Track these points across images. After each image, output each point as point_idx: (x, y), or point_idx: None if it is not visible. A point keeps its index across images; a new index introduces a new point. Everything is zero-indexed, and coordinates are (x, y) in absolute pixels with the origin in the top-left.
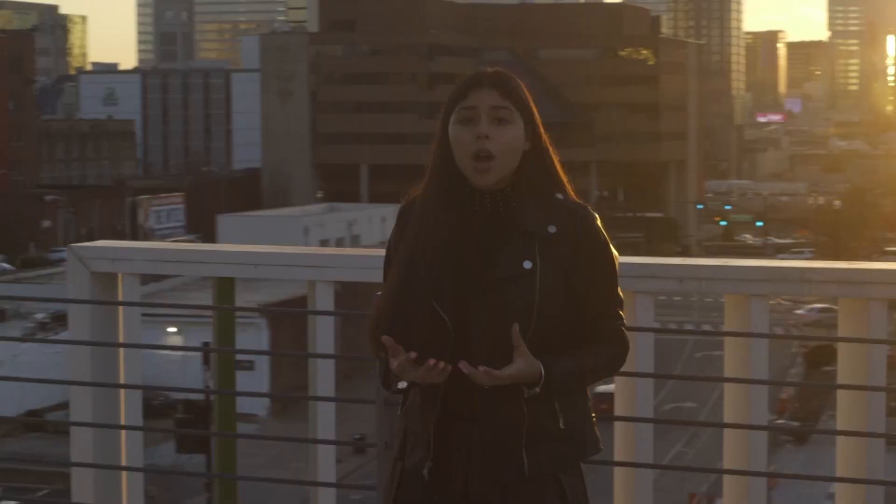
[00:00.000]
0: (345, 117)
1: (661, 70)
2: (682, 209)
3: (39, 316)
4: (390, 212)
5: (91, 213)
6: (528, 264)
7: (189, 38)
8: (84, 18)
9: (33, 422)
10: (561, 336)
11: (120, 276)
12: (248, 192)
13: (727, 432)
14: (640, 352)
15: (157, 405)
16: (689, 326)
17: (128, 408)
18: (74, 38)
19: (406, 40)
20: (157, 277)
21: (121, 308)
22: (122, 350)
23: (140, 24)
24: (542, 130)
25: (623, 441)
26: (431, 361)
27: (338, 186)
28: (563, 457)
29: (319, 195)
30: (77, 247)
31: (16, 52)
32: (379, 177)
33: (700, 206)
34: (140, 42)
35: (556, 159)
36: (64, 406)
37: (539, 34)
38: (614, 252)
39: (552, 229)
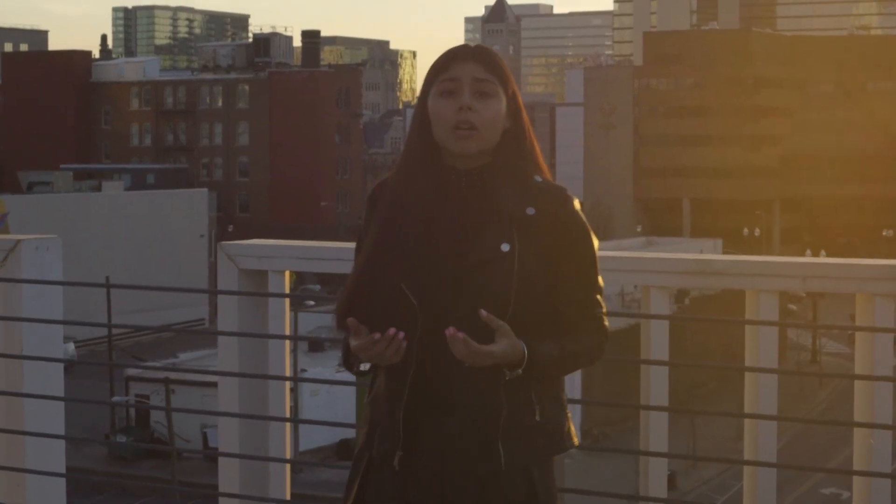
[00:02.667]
0: (667, 151)
1: None
2: None
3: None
4: (710, 246)
5: None
6: (505, 246)
7: (515, 73)
8: (413, 54)
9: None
10: (538, 322)
11: (268, 273)
12: None
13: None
14: (764, 348)
15: None
16: None
17: (272, 401)
18: (404, 73)
19: (731, 73)
20: None
21: (269, 302)
22: (269, 344)
23: None
24: (523, 110)
25: None
26: (392, 331)
27: (659, 220)
28: (539, 449)
29: (639, 229)
30: (226, 244)
31: (344, 87)
32: (701, 211)
33: None
34: None
35: (535, 141)
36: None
37: (867, 66)
38: (594, 238)
39: (531, 211)
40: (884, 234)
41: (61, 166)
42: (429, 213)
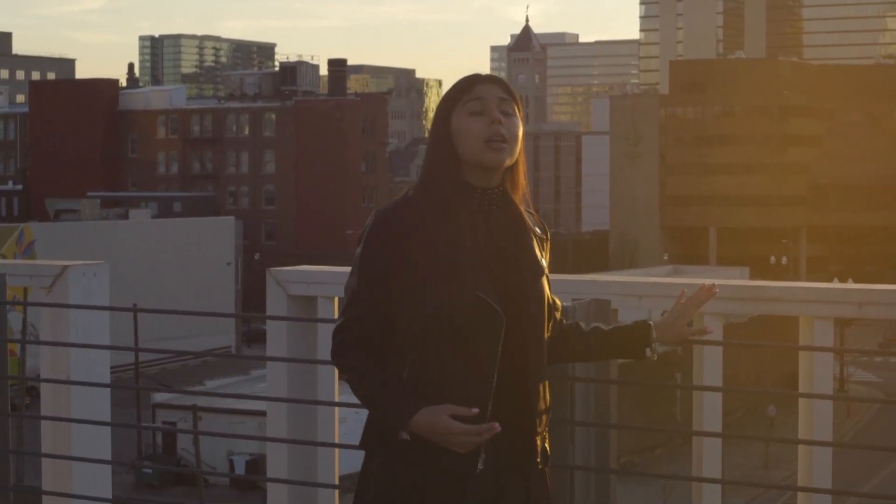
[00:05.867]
0: (694, 179)
1: None
2: None
3: None
4: (736, 274)
5: None
6: (543, 262)
7: (541, 101)
8: (439, 82)
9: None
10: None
11: (317, 299)
12: (595, 254)
13: None
14: (818, 373)
15: None
16: None
17: (321, 426)
18: (430, 102)
19: (757, 102)
20: None
21: (318, 329)
22: (318, 370)
23: None
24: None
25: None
26: (495, 425)
27: (686, 249)
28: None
29: (665, 258)
30: (275, 270)
31: (370, 115)
32: (728, 240)
33: None
34: None
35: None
36: None
37: (894, 95)
38: None
39: (538, 230)
40: None
41: (88, 194)
42: (473, 233)
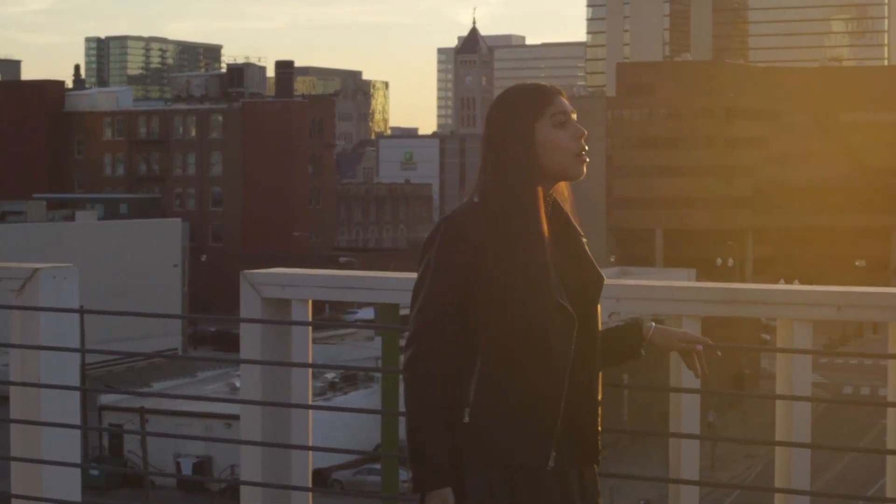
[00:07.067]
0: (640, 181)
1: None
2: None
3: (330, 376)
4: (683, 275)
5: None
6: (600, 269)
7: (488, 103)
8: (386, 84)
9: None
10: None
11: (291, 301)
12: None
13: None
14: (797, 376)
15: None
16: None
17: (295, 429)
18: (376, 104)
19: (703, 104)
20: None
21: (292, 331)
22: (292, 372)
23: (440, 89)
24: None
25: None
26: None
27: (632, 251)
28: None
29: (612, 259)
30: (249, 273)
31: (317, 117)
32: (674, 242)
33: None
34: (439, 107)
35: None
36: (352, 465)
37: (840, 97)
38: None
39: (582, 234)
40: (857, 263)
41: (34, 196)
42: (551, 239)
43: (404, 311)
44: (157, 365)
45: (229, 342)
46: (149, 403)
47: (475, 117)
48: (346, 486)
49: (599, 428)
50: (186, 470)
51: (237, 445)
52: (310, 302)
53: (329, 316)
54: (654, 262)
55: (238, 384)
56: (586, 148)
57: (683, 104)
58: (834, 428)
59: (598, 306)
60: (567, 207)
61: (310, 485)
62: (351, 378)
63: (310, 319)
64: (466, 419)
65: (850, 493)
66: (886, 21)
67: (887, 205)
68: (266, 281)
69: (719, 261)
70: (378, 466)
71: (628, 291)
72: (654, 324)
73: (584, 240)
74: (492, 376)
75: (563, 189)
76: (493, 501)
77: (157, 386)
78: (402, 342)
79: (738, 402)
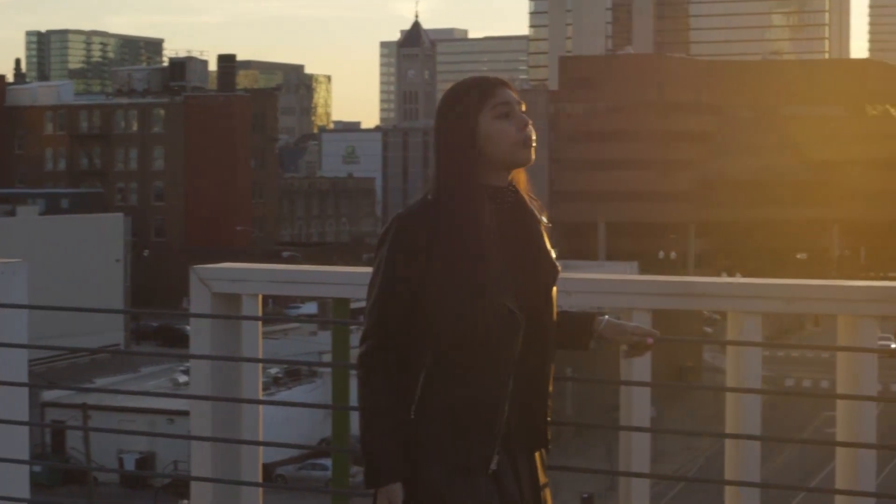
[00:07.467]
0: (582, 175)
1: None
2: None
3: (274, 371)
4: (625, 269)
5: None
6: (558, 263)
7: (431, 97)
8: (329, 78)
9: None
10: None
11: (241, 296)
12: None
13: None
14: (748, 368)
15: None
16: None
17: (245, 424)
18: (319, 98)
19: (645, 98)
20: None
21: (242, 326)
22: (242, 367)
23: (383, 83)
24: None
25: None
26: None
27: (575, 244)
28: None
29: (554, 253)
30: (199, 268)
31: (259, 112)
32: (616, 235)
33: None
34: (382, 101)
35: None
36: (297, 460)
37: (782, 91)
38: None
39: (544, 220)
40: (798, 256)
41: None
42: (495, 231)
43: (355, 306)
44: (98, 361)
45: (172, 337)
46: (91, 399)
47: (418, 111)
48: (290, 482)
49: (549, 418)
50: (129, 466)
51: (180, 441)
52: (260, 297)
53: (272, 311)
54: (596, 255)
55: (181, 380)
56: (533, 136)
57: (626, 98)
58: (777, 419)
59: (554, 296)
60: (523, 190)
61: (260, 480)
62: (294, 373)
63: (260, 314)
64: (412, 416)
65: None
66: (827, 14)
67: (828, 198)
68: (216, 276)
69: (661, 254)
70: (322, 461)
71: (579, 285)
72: (606, 317)
73: (547, 224)
74: (438, 375)
75: (520, 177)
76: (440, 498)
77: (99, 382)
78: (353, 337)
79: (683, 395)
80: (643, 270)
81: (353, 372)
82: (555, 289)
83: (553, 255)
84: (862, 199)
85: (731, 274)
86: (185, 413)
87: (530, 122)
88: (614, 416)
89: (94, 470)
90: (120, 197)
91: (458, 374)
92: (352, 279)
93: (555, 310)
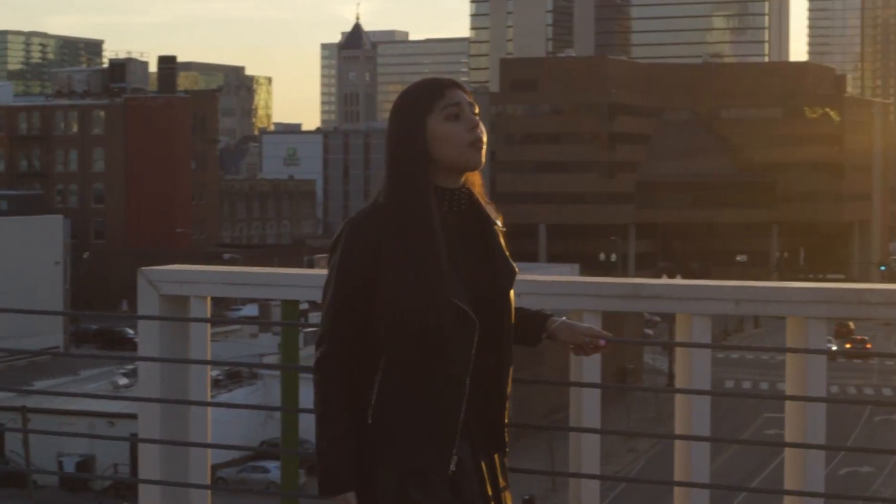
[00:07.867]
0: (524, 177)
1: (846, 129)
2: (866, 271)
3: (215, 373)
4: (567, 270)
5: None
6: (513, 263)
7: (372, 99)
8: (269, 80)
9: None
10: None
11: (189, 298)
12: None
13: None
14: (697, 370)
15: None
16: (868, 391)
17: (193, 426)
18: (259, 99)
19: (586, 100)
20: None
21: (190, 328)
22: (190, 370)
23: (324, 84)
24: None
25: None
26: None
27: (516, 246)
28: None
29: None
30: (147, 270)
31: (200, 113)
32: (557, 237)
33: (884, 268)
34: (323, 103)
35: None
36: (238, 462)
37: (722, 94)
38: None
39: (499, 223)
40: (738, 258)
41: None
42: (446, 234)
43: (303, 307)
44: (37, 364)
45: (112, 340)
46: (30, 402)
47: (359, 113)
48: (231, 485)
49: (507, 419)
50: (69, 469)
51: (119, 444)
52: (209, 299)
53: (213, 313)
54: (537, 257)
55: (122, 382)
56: (483, 137)
57: (566, 100)
58: (716, 420)
59: (512, 298)
60: (478, 192)
61: (209, 482)
62: (235, 375)
63: (209, 316)
64: (369, 421)
65: (741, 485)
66: (767, 18)
67: (767, 200)
68: (164, 278)
69: (602, 256)
70: (263, 464)
71: (530, 287)
72: (563, 319)
73: (502, 228)
74: (393, 379)
75: (475, 179)
76: (398, 503)
77: (39, 384)
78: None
79: (622, 396)
80: (584, 272)
81: (303, 375)
82: (512, 291)
83: (509, 256)
84: (801, 201)
85: (671, 276)
86: (126, 416)
87: (480, 123)
88: (555, 418)
89: (34, 473)
90: (60, 199)
91: (413, 377)
92: (301, 281)
93: (513, 312)
